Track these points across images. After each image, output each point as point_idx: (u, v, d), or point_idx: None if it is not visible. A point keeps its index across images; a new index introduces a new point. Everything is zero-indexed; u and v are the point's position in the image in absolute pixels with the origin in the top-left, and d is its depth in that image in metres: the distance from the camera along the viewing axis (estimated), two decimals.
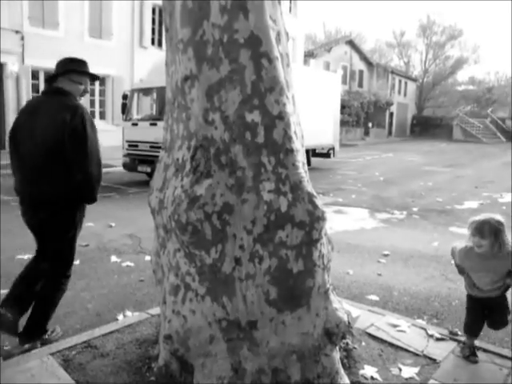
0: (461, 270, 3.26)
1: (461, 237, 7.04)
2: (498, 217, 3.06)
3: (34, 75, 16.07)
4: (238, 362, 2.45)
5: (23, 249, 5.72)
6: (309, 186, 2.42)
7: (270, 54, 2.34)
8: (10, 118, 15.23)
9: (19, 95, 15.33)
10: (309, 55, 31.68)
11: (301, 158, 2.47)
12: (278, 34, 2.46)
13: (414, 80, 48.87)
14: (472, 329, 3.23)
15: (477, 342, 3.25)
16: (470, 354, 3.16)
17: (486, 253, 3.02)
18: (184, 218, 2.27)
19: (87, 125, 3.14)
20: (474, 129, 41.81)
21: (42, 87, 16.40)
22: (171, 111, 2.58)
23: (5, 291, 4.32)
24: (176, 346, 2.48)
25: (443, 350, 3.25)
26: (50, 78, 3.35)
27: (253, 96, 2.31)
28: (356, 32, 53.76)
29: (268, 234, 2.33)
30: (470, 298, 3.27)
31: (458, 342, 3.35)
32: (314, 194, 2.42)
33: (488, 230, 2.98)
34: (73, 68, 3.32)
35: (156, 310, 3.72)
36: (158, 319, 3.48)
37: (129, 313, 3.96)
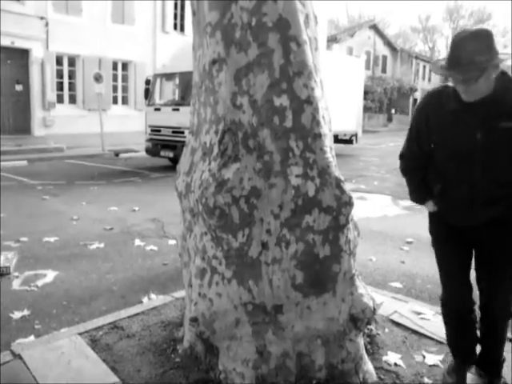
0: None
1: None
2: None
3: (58, 61, 16.20)
4: (263, 346, 2.47)
5: (51, 231, 5.87)
6: (336, 171, 2.41)
7: (299, 38, 2.31)
8: (35, 102, 15.42)
9: (44, 80, 15.50)
10: (332, 40, 31.23)
11: (328, 142, 2.45)
12: (307, 18, 2.43)
13: None
14: None
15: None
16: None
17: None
18: (211, 201, 2.28)
19: None
20: None
21: (66, 73, 16.54)
22: (198, 95, 2.57)
23: (30, 272, 4.46)
24: (202, 328, 2.51)
25: None
26: None
27: (281, 80, 2.29)
28: (380, 16, 52.67)
29: (295, 219, 2.33)
30: None
31: None
32: (342, 179, 2.40)
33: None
34: None
35: (180, 294, 3.76)
36: (182, 302, 3.52)
37: (153, 295, 4.01)
